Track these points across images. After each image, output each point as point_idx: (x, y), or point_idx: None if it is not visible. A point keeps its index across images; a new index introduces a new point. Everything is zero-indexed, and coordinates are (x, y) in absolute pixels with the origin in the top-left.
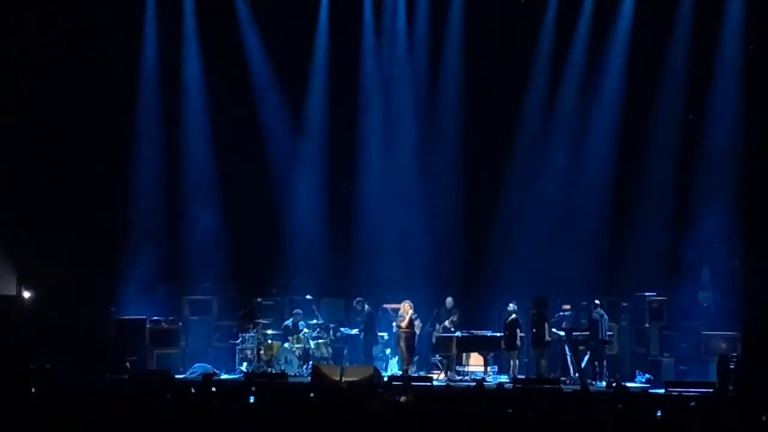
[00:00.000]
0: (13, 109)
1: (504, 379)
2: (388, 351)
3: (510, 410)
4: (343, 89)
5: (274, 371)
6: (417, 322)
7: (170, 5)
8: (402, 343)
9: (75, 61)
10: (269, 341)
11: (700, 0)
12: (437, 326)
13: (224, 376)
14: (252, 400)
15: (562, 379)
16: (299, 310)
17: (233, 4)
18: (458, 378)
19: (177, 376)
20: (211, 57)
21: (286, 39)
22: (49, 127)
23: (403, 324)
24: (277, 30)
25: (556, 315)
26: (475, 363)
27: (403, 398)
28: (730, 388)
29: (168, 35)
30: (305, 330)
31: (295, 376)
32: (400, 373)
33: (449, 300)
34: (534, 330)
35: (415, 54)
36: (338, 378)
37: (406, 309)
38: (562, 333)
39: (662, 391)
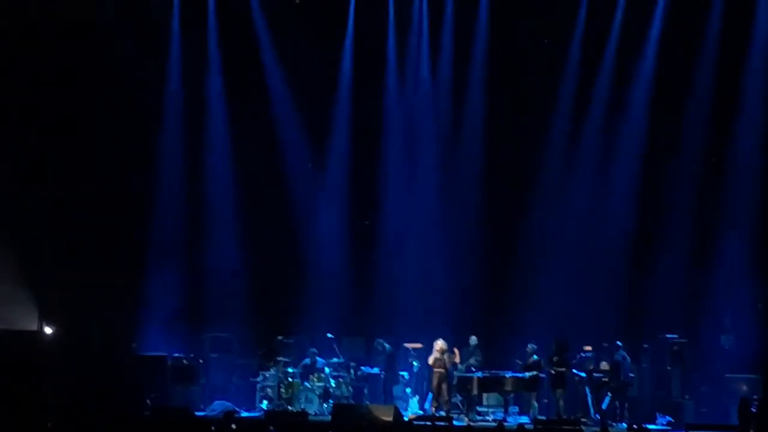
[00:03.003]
0: (32, 138)
1: (524, 420)
2: (408, 390)
3: None
4: (365, 127)
5: (294, 410)
6: (450, 359)
7: (196, 34)
8: (433, 382)
9: (98, 91)
10: (290, 379)
11: (726, 31)
12: (459, 366)
13: (244, 414)
14: None
15: (583, 420)
16: (314, 349)
17: (257, 37)
18: (479, 418)
19: (197, 413)
20: (234, 93)
21: (309, 76)
22: (70, 161)
23: (429, 361)
24: (300, 67)
25: (577, 356)
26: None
27: None
28: (751, 431)
29: (192, 67)
30: (325, 368)
31: (315, 414)
32: (421, 412)
33: (473, 339)
34: (554, 371)
35: (437, 92)
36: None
37: (437, 347)
38: (583, 374)
39: None
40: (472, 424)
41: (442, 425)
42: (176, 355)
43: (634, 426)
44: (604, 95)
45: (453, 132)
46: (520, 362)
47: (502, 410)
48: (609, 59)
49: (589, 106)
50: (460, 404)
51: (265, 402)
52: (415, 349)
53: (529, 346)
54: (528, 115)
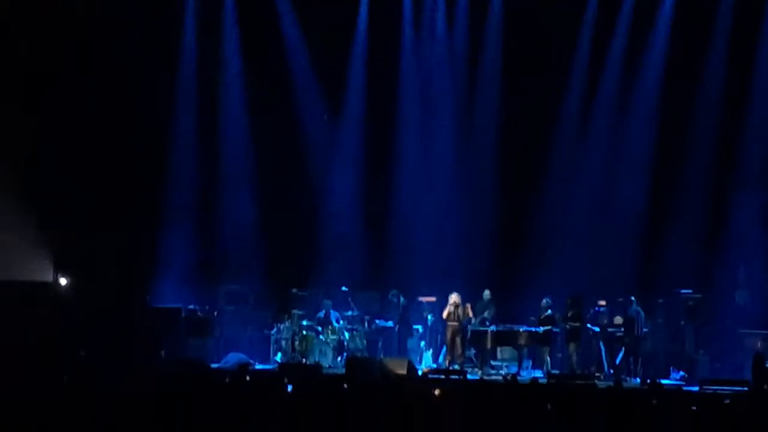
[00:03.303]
0: (48, 92)
1: (538, 374)
2: (422, 343)
3: (549, 405)
4: (381, 82)
5: (308, 362)
6: (464, 312)
7: None
8: (447, 336)
9: (113, 47)
10: (304, 332)
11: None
12: (473, 319)
13: (258, 367)
14: (290, 389)
15: (597, 374)
16: (329, 301)
17: None
18: (492, 372)
19: (211, 365)
20: (250, 47)
21: (325, 30)
22: (87, 114)
23: (443, 315)
24: (316, 21)
25: (592, 311)
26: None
27: (437, 391)
28: (765, 386)
29: (207, 23)
30: (340, 321)
31: (329, 367)
32: (435, 366)
33: (487, 293)
34: (568, 326)
35: (454, 48)
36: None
37: (451, 300)
38: (597, 329)
39: (696, 388)
40: (485, 377)
41: (456, 378)
42: (191, 307)
43: (648, 381)
44: (620, 58)
45: (469, 89)
46: (534, 319)
47: (516, 364)
48: (624, 27)
49: (606, 68)
50: (473, 358)
51: (279, 354)
52: (429, 303)
53: (543, 300)
54: (544, 73)
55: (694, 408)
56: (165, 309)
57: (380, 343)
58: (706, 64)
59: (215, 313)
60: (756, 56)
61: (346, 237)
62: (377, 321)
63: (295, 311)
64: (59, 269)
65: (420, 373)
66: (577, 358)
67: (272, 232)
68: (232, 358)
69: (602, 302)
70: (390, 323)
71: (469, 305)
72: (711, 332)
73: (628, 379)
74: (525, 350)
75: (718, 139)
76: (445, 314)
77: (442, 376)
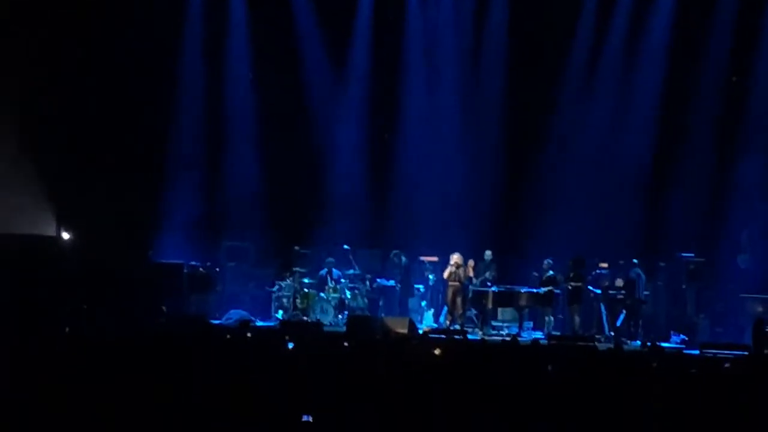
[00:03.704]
0: (50, 46)
1: (539, 335)
2: (423, 303)
3: (549, 367)
4: (387, 39)
5: (309, 320)
6: (465, 273)
7: None
8: (448, 296)
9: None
10: (305, 290)
11: None
12: (474, 280)
13: (259, 323)
14: (290, 346)
15: (597, 336)
16: (332, 259)
17: None
18: (493, 333)
19: (213, 322)
20: (255, 6)
21: None
22: (91, 67)
23: (444, 275)
24: None
25: (593, 273)
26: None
27: (437, 351)
28: (765, 351)
29: None
30: (341, 280)
31: (330, 325)
32: (435, 325)
33: (488, 253)
34: (570, 287)
35: (460, 5)
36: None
37: (453, 260)
38: (598, 291)
39: (697, 352)
40: (486, 338)
41: (457, 339)
42: (193, 263)
43: (648, 343)
44: (627, 16)
45: (474, 49)
46: (537, 274)
47: (517, 325)
48: None
49: (612, 25)
50: (474, 318)
51: (280, 312)
52: (431, 263)
53: (545, 261)
54: (550, 35)
55: (694, 371)
56: (167, 264)
57: (381, 302)
58: (713, 24)
59: (217, 270)
60: (764, 18)
61: (349, 195)
62: (379, 280)
63: (297, 269)
64: (62, 223)
65: (420, 332)
66: (579, 320)
67: (275, 189)
68: (234, 315)
69: (604, 264)
70: (391, 282)
71: (471, 263)
72: (712, 296)
73: (628, 341)
74: (526, 311)
75: (723, 101)
76: (446, 274)
77: (443, 336)
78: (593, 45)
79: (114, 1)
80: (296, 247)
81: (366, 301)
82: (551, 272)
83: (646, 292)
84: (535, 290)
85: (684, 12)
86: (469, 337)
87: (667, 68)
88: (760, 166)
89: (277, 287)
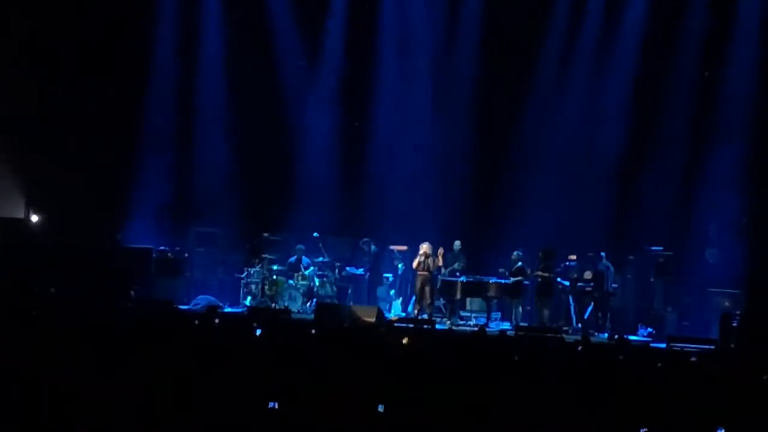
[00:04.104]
0: (24, 32)
1: (506, 326)
2: (392, 292)
3: (516, 357)
4: (360, 28)
5: (277, 307)
6: (434, 263)
7: None
8: (417, 285)
9: None
10: (274, 277)
11: None
12: (443, 270)
13: (228, 309)
14: (258, 333)
15: (565, 328)
16: (301, 246)
17: None
18: (461, 323)
19: (181, 307)
20: None
21: None
22: (60, 51)
23: (414, 264)
24: None
25: (562, 265)
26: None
27: (405, 340)
28: (732, 345)
29: None
30: (310, 267)
31: (298, 312)
32: (404, 315)
33: (457, 243)
34: (539, 279)
35: None
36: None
37: (422, 250)
38: (566, 283)
39: (664, 345)
40: (454, 327)
41: (425, 328)
42: (161, 248)
43: (616, 336)
44: (601, 7)
45: (447, 39)
46: (504, 270)
47: (485, 316)
48: None
49: (585, 19)
50: (443, 308)
51: (248, 298)
52: (400, 252)
53: (515, 252)
54: (523, 27)
55: (660, 365)
56: (136, 249)
57: (350, 291)
58: (685, 18)
59: (186, 255)
60: (736, 10)
61: (320, 183)
62: (348, 268)
63: (266, 255)
64: (31, 206)
65: (388, 321)
66: (548, 312)
67: (246, 176)
68: (202, 301)
69: (573, 256)
70: (360, 271)
71: (441, 251)
72: (680, 290)
73: (596, 334)
74: (494, 302)
75: (694, 96)
76: (415, 264)
77: (411, 325)
78: (566, 38)
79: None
80: (265, 234)
81: (335, 288)
82: (520, 263)
83: (614, 285)
84: (503, 281)
85: (656, 6)
86: (437, 326)
87: (639, 62)
88: (730, 161)
89: (245, 273)
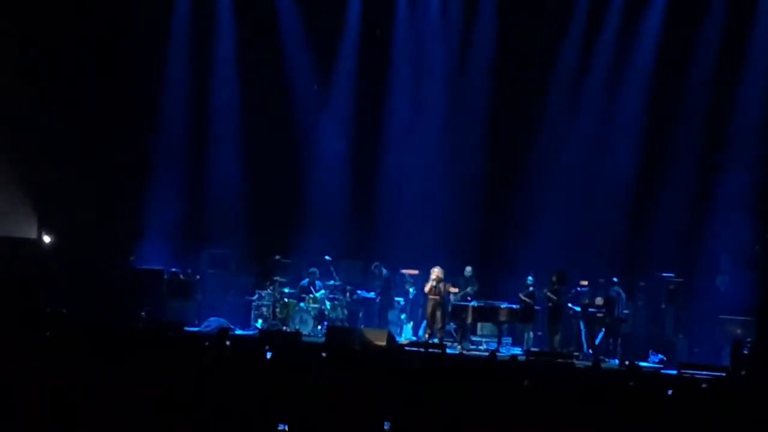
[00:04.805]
0: (35, 46)
1: (517, 351)
2: (403, 316)
3: (526, 382)
4: (373, 53)
5: (288, 330)
6: (446, 287)
7: None
8: (428, 310)
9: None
10: (285, 300)
11: None
12: (454, 293)
13: (239, 332)
14: (269, 356)
15: (576, 354)
16: (315, 269)
17: None
18: (472, 347)
19: (191, 329)
20: (243, 11)
21: None
22: (73, 72)
23: (426, 289)
24: None
25: (573, 290)
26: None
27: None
28: (743, 373)
29: None
30: (321, 290)
31: (309, 335)
32: (414, 339)
33: (468, 269)
34: (550, 304)
35: (447, 18)
36: (384, 343)
37: (434, 274)
38: (577, 308)
39: (675, 372)
40: (464, 352)
41: (435, 352)
42: (173, 269)
43: (626, 362)
44: (612, 34)
45: (459, 63)
46: (521, 295)
47: (496, 341)
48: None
49: (597, 43)
50: (453, 332)
51: (259, 321)
52: (411, 276)
53: (528, 278)
54: (535, 51)
55: (671, 392)
56: (148, 270)
57: (361, 314)
58: (697, 44)
59: (197, 277)
60: (748, 38)
61: (332, 206)
62: (359, 291)
63: (277, 278)
64: (43, 226)
65: (399, 345)
66: (559, 337)
67: (258, 198)
68: (213, 323)
69: (584, 282)
70: (371, 294)
71: (450, 285)
72: (691, 317)
73: (607, 360)
74: (505, 327)
75: (705, 122)
76: (427, 288)
77: (422, 350)
78: (579, 62)
79: (100, 7)
80: (277, 257)
81: (346, 312)
82: (531, 288)
83: (625, 311)
84: (514, 306)
85: (669, 31)
86: (448, 351)
87: (651, 88)
88: (742, 188)
89: (257, 296)
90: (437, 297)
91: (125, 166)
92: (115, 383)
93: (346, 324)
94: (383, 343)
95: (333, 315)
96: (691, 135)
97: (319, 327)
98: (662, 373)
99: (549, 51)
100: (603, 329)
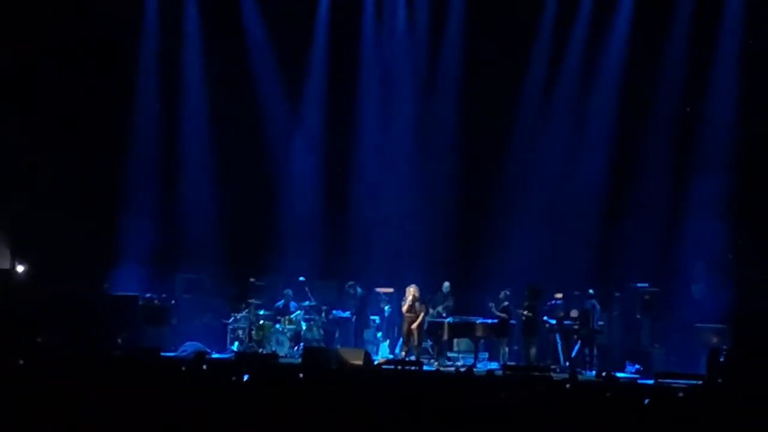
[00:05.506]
0: (6, 74)
1: (494, 366)
2: (379, 334)
3: (502, 394)
4: (342, 72)
5: (265, 352)
6: (419, 306)
7: None
8: (404, 328)
9: (74, 28)
10: (261, 322)
11: None
12: (431, 311)
13: (215, 356)
14: (246, 378)
15: (552, 367)
16: (289, 291)
17: None
18: (449, 363)
19: (168, 354)
20: (211, 36)
21: (286, 18)
22: (43, 101)
23: (403, 308)
24: (278, 9)
25: (548, 303)
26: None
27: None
28: (719, 381)
29: (169, 10)
30: (297, 311)
31: (285, 356)
32: (391, 356)
33: (446, 284)
34: (524, 318)
35: (415, 30)
36: (362, 362)
37: (410, 293)
38: (553, 321)
39: (651, 381)
40: (441, 369)
41: (412, 370)
42: (148, 295)
43: (603, 373)
44: (581, 46)
45: (429, 80)
46: (493, 304)
47: (472, 356)
48: (585, 11)
49: (566, 56)
50: (430, 349)
51: (236, 344)
52: (386, 294)
53: (502, 292)
54: (504, 65)
55: (647, 401)
56: (122, 296)
57: (337, 334)
58: (667, 53)
59: (172, 302)
60: (717, 42)
61: (305, 226)
62: (334, 311)
63: (252, 300)
64: (16, 256)
65: (376, 363)
66: (535, 352)
67: (230, 221)
68: (189, 347)
69: (559, 295)
70: (347, 314)
71: (424, 306)
72: (667, 326)
73: (583, 372)
74: (481, 342)
75: (676, 130)
76: (405, 308)
77: (399, 367)
78: (548, 76)
79: (74, 32)
80: (251, 279)
81: (321, 332)
82: (506, 302)
83: (600, 322)
84: (490, 321)
85: (638, 41)
86: (425, 368)
87: (621, 98)
88: (714, 197)
89: (232, 319)
90: (413, 315)
91: (96, 194)
92: (94, 412)
93: (323, 344)
94: (360, 362)
95: (309, 335)
96: (661, 143)
97: (296, 348)
98: (639, 382)
99: (518, 67)
100: (579, 341)
